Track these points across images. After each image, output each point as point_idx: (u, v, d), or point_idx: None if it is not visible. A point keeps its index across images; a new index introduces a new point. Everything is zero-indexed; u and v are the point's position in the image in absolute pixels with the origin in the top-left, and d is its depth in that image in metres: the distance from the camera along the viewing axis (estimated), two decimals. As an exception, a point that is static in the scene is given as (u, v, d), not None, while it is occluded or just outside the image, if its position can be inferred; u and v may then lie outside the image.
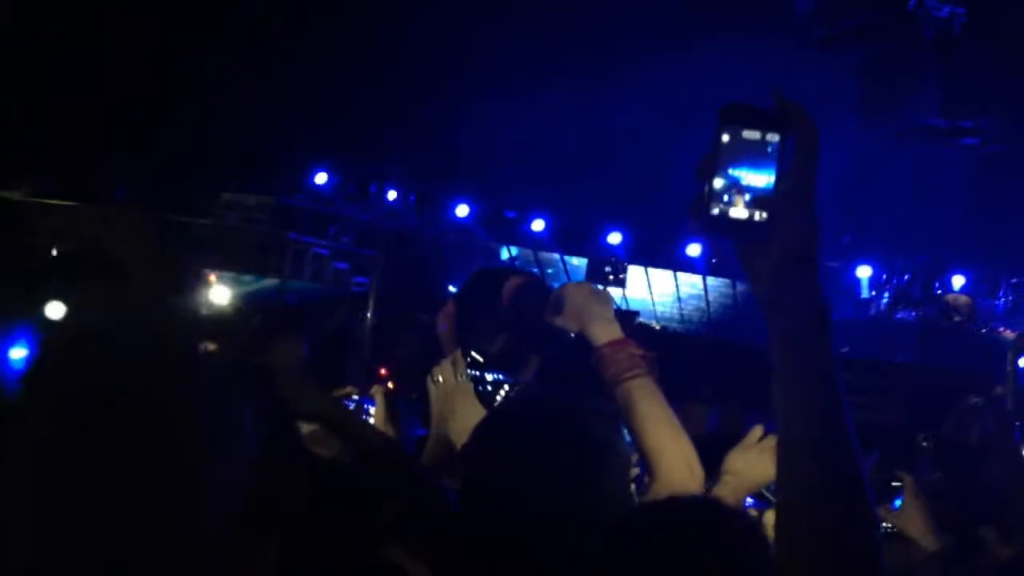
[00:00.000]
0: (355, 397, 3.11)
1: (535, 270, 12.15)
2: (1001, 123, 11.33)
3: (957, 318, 10.37)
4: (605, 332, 2.24)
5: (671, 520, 1.42)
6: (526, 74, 11.52)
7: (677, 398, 2.22)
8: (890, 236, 12.03)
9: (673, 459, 2.05)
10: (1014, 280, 11.20)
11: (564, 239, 12.99)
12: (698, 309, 13.12)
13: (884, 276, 11.90)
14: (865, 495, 1.10)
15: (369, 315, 7.15)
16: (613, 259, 11.66)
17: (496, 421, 2.00)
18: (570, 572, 1.51)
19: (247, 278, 10.08)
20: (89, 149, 10.12)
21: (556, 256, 13.17)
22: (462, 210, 12.87)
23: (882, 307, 11.34)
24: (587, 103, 12.16)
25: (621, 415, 2.08)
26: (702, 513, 1.44)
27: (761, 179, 1.20)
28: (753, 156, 1.20)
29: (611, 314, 2.30)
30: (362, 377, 4.93)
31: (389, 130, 11.85)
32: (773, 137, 1.21)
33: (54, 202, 10.32)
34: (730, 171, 1.20)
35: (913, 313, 10.94)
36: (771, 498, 2.19)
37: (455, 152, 12.15)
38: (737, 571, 1.33)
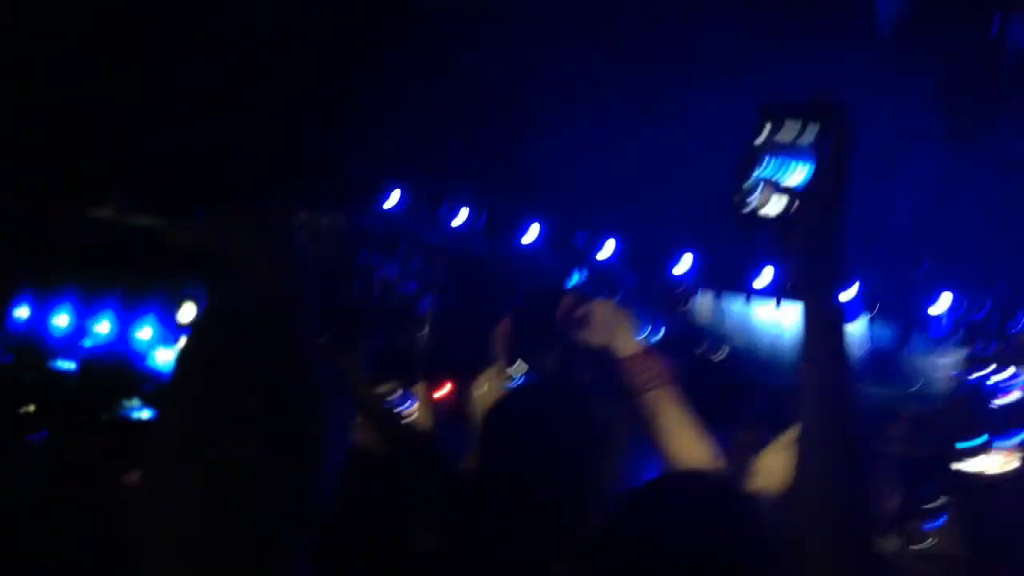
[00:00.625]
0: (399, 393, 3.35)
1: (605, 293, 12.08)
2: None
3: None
4: (629, 345, 2.48)
5: (677, 493, 1.51)
6: (602, 93, 11.49)
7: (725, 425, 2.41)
8: (970, 267, 11.71)
9: (697, 463, 2.20)
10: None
11: (635, 263, 12.91)
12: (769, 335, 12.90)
13: (964, 306, 11.58)
14: (863, 493, 1.19)
15: (426, 332, 7.21)
16: (682, 285, 11.59)
17: (502, 406, 2.24)
18: (574, 545, 1.62)
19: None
20: (164, 163, 10.40)
21: (626, 279, 13.09)
22: (532, 232, 12.90)
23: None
24: (662, 121, 12.07)
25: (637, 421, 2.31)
26: (707, 489, 1.53)
27: (798, 174, 1.20)
28: (790, 151, 1.21)
29: (634, 330, 2.56)
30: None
31: (459, 150, 11.92)
32: (810, 133, 1.21)
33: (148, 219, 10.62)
34: (768, 167, 1.21)
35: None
36: None
37: (527, 174, 12.17)
38: (736, 549, 1.39)
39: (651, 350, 2.51)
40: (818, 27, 11.39)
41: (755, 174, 1.23)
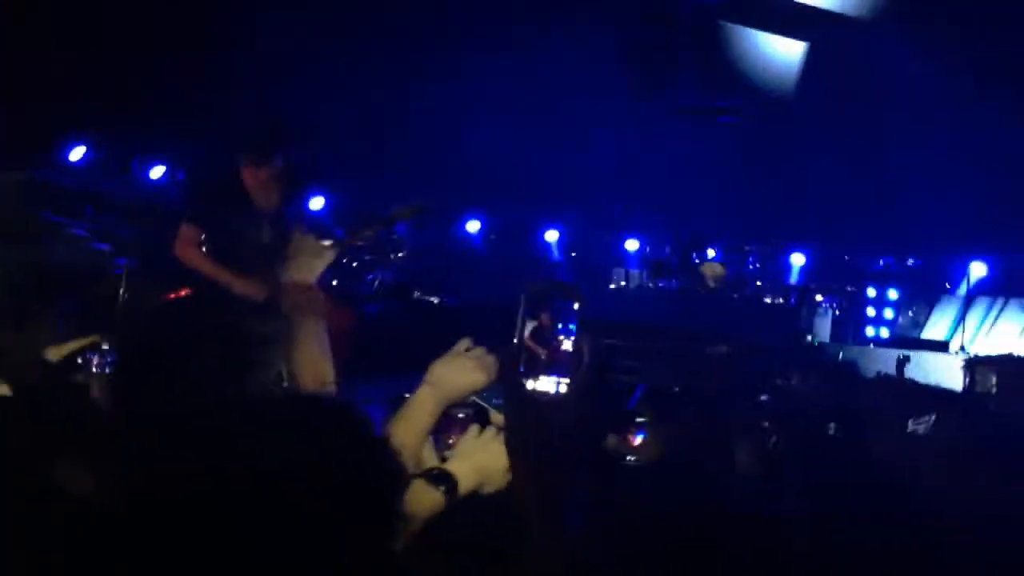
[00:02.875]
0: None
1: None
2: (756, 101, 12.10)
3: (713, 285, 11.05)
4: (300, 274, 2.58)
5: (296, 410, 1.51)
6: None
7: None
8: (655, 209, 12.62)
9: (311, 377, 2.36)
10: (768, 248, 12.05)
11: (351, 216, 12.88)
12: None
13: (647, 248, 12.51)
14: None
15: (122, 292, 6.85)
16: (397, 236, 11.71)
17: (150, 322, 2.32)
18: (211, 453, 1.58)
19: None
20: None
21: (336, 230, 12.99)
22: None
23: (644, 278, 11.90)
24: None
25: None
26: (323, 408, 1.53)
27: None
28: None
29: (318, 265, 2.64)
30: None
31: (151, 101, 11.25)
32: None
33: None
34: None
35: (674, 282, 11.56)
36: (486, 405, 2.25)
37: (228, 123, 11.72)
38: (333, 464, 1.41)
39: (319, 287, 2.62)
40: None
41: None
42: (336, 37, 11.52)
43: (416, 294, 11.16)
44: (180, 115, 11.44)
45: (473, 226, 13.75)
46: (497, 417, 2.19)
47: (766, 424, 3.22)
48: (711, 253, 11.92)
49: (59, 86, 10.66)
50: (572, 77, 12.33)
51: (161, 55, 10.77)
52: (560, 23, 11.84)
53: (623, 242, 13.33)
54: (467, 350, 2.25)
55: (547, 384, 2.65)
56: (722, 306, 10.67)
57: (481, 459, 2.06)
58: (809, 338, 10.42)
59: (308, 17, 11.35)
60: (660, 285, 11.59)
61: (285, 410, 1.50)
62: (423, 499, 1.94)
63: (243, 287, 4.94)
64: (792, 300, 11.21)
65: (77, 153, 11.49)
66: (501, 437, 2.08)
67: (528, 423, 2.00)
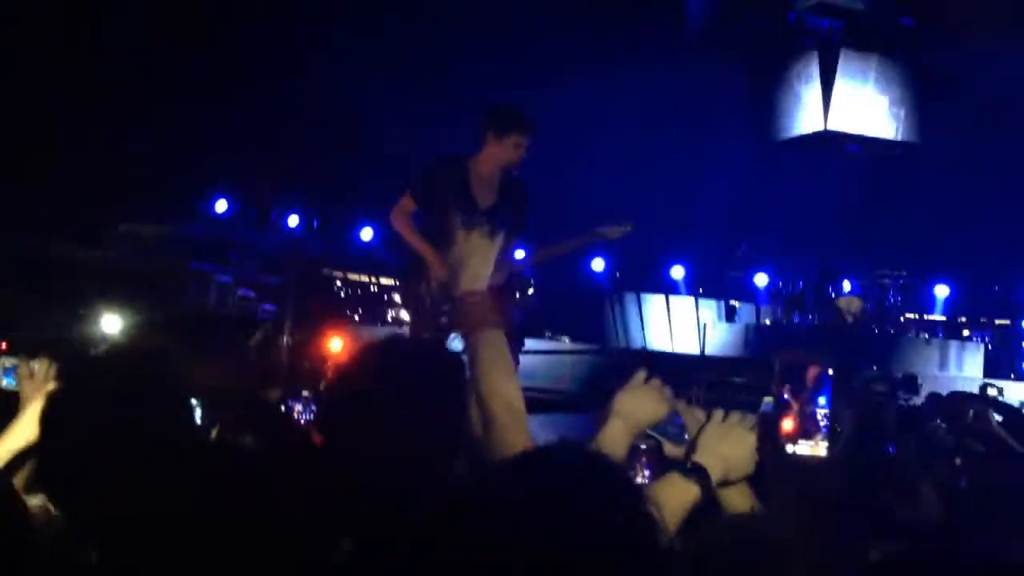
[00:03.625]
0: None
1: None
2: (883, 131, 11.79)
3: (850, 319, 10.74)
4: (471, 282, 2.27)
5: (544, 466, 1.41)
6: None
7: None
8: (784, 244, 12.39)
9: (502, 404, 2.13)
10: (901, 281, 11.64)
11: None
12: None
13: (779, 283, 12.24)
14: None
15: (286, 337, 7.09)
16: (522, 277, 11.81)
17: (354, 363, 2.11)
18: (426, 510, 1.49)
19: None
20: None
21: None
22: (366, 233, 12.85)
23: (778, 314, 11.66)
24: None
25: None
26: (577, 461, 1.42)
27: None
28: None
29: (487, 268, 2.31)
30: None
31: (287, 155, 11.74)
32: None
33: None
34: None
35: (809, 318, 11.29)
36: (660, 437, 2.22)
37: (355, 176, 12.11)
38: (610, 519, 1.33)
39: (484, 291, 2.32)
40: (625, 32, 11.81)
41: None
42: (447, 88, 11.77)
43: (547, 334, 11.17)
44: (313, 170, 11.91)
45: (598, 264, 13.73)
46: (673, 450, 2.18)
47: (957, 461, 3.12)
48: (847, 286, 11.60)
49: (203, 145, 11.22)
50: (694, 111, 12.29)
51: (297, 120, 11.29)
52: (682, 60, 11.83)
53: (751, 277, 13.12)
54: (645, 381, 2.25)
55: (805, 448, 2.60)
56: (863, 342, 10.35)
57: (725, 449, 2.05)
58: (959, 374, 10.01)
59: (419, 77, 11.66)
60: (795, 321, 11.34)
61: (549, 469, 1.41)
62: (680, 494, 1.95)
63: (435, 265, 5.00)
64: (938, 334, 10.81)
65: (221, 206, 12.04)
66: (742, 423, 2.08)
67: (793, 487, 1.97)
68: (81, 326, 6.74)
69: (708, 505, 1.98)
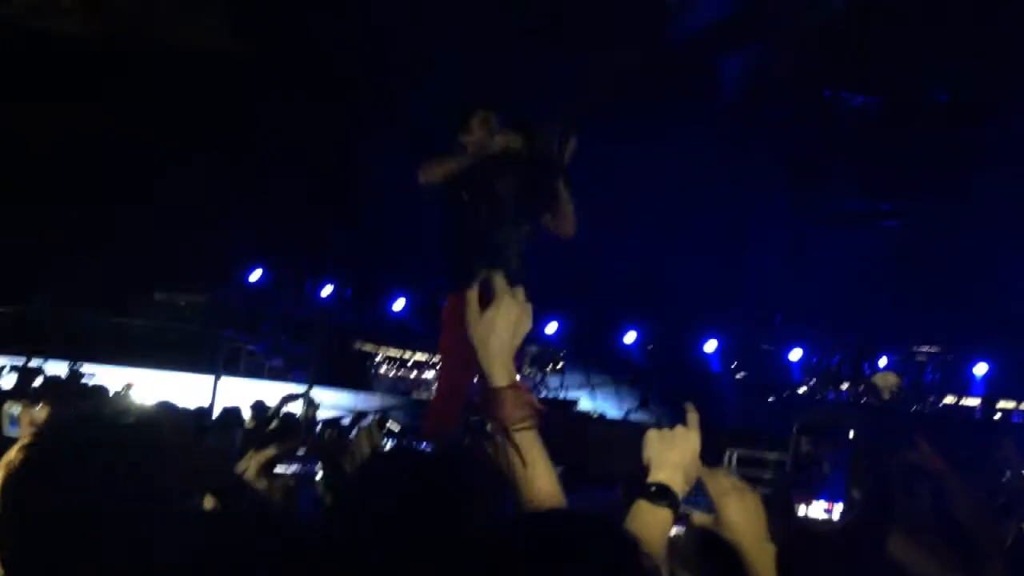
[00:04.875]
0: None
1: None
2: (920, 204, 11.72)
3: (887, 396, 10.57)
4: (505, 373, 2.05)
5: (552, 530, 1.43)
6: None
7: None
8: (819, 318, 12.27)
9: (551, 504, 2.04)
10: (939, 357, 11.45)
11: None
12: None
13: (815, 359, 12.10)
14: None
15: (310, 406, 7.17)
16: (551, 348, 11.78)
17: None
18: None
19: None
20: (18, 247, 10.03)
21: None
22: (399, 304, 12.90)
23: (813, 389, 11.51)
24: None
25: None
26: (584, 525, 1.44)
27: None
28: None
29: (510, 355, 2.10)
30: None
31: (323, 226, 11.89)
32: None
33: None
34: None
35: (844, 394, 11.13)
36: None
37: (390, 246, 12.21)
38: None
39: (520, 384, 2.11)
40: (665, 95, 11.89)
41: None
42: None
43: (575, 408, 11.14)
44: (346, 241, 12.03)
45: (630, 337, 13.68)
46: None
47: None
48: (883, 362, 11.43)
49: (238, 216, 11.41)
50: (726, 183, 12.29)
51: (328, 195, 11.43)
52: (714, 130, 11.86)
53: (787, 352, 12.97)
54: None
55: (817, 510, 2.54)
56: (901, 420, 10.16)
57: (675, 456, 2.01)
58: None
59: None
60: (830, 397, 11.18)
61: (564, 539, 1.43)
62: (656, 522, 1.91)
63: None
64: (978, 414, 10.58)
65: (255, 275, 12.17)
66: (675, 430, 2.04)
67: (799, 549, 1.93)
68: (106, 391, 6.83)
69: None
